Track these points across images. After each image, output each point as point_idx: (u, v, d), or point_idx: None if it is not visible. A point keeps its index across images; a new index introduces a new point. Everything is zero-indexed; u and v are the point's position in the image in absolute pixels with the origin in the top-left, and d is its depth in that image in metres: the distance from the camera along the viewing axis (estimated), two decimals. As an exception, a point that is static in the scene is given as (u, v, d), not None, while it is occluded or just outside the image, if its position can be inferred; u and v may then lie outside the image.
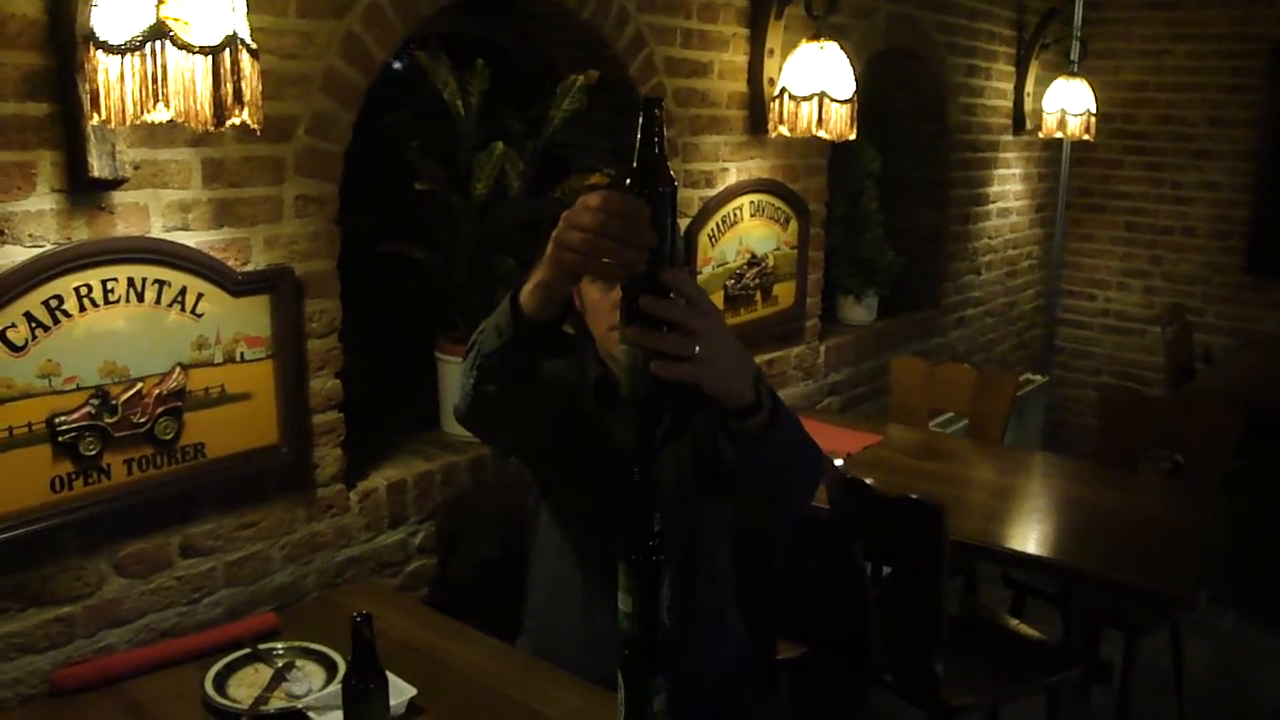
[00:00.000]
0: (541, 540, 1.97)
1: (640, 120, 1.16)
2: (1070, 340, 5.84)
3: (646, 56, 2.87)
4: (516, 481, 2.10)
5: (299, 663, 1.90)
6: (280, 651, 1.94)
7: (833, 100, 3.04)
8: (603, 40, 2.75)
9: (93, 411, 1.83)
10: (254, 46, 1.63)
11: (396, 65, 2.69)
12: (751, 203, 3.33)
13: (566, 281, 1.39)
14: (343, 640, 1.66)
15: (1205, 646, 3.62)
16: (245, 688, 1.82)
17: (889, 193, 4.29)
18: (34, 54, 1.70)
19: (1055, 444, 5.41)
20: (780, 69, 3.17)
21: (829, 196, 3.77)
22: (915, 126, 4.52)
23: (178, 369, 1.94)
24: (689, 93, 3.04)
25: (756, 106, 3.24)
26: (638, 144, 1.16)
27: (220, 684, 1.82)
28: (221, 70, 1.55)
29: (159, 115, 1.55)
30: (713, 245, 3.19)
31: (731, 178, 3.25)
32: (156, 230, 1.90)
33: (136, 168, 1.84)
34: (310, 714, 1.71)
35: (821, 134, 3.08)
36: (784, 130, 3.13)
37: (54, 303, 1.76)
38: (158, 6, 1.50)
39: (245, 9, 1.63)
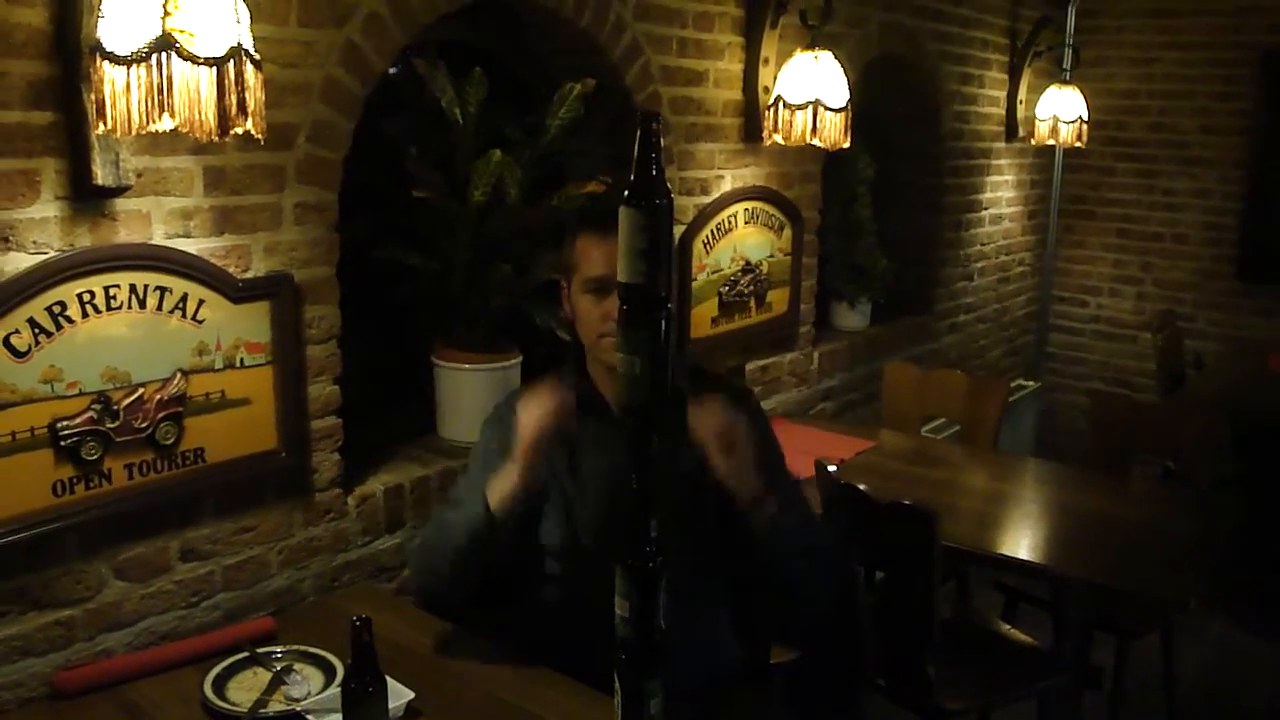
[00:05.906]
0: (529, 548, 1.99)
1: (638, 135, 1.19)
2: (1062, 346, 5.87)
3: (643, 65, 2.89)
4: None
5: (297, 666, 1.91)
6: (279, 655, 1.95)
7: (827, 109, 3.06)
8: (599, 49, 2.78)
9: (94, 416, 1.85)
10: (257, 57, 1.65)
11: (395, 73, 2.70)
12: (746, 210, 3.35)
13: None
14: (339, 644, 1.68)
15: (1196, 651, 3.64)
16: (244, 691, 1.84)
17: (882, 200, 4.31)
18: (40, 63, 1.72)
19: (1047, 450, 5.43)
20: (775, 77, 3.20)
21: (823, 203, 3.79)
22: (909, 134, 4.54)
23: (179, 375, 1.96)
24: (684, 101, 3.07)
25: (751, 114, 3.27)
26: (635, 158, 1.19)
27: (219, 687, 1.84)
28: (226, 81, 1.57)
29: (164, 125, 1.57)
30: (707, 252, 3.21)
31: (726, 185, 3.27)
32: (158, 237, 1.92)
33: (139, 175, 1.86)
34: (309, 717, 1.73)
35: (816, 142, 3.10)
36: (779, 138, 3.15)
37: (57, 309, 1.78)
38: (164, 18, 1.52)
39: (249, 20, 1.65)
